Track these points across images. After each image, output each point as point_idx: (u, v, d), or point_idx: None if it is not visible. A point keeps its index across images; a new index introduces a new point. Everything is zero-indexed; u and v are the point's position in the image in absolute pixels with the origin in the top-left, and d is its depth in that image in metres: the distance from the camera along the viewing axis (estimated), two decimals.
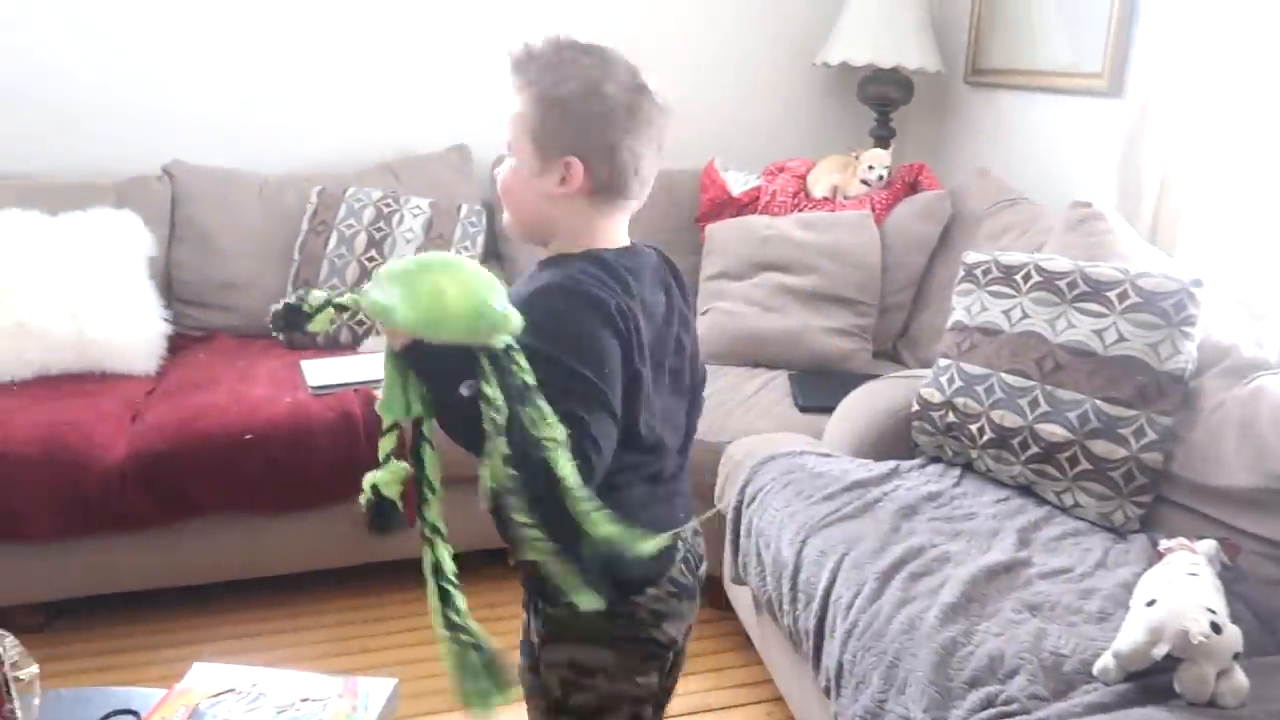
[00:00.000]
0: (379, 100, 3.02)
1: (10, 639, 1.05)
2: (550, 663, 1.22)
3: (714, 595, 2.24)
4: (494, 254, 2.98)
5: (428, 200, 2.77)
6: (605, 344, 1.07)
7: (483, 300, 1.00)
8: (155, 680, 2.07)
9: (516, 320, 1.01)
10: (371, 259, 2.65)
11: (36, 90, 2.75)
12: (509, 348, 0.99)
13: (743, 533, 1.88)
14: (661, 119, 1.20)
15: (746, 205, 2.88)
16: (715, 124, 3.27)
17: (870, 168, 2.82)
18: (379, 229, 2.69)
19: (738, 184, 2.93)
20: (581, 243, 1.17)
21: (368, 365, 2.43)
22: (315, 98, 2.96)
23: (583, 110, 1.13)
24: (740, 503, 1.90)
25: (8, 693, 1.02)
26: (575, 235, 1.18)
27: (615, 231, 1.21)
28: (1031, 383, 1.82)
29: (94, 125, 2.77)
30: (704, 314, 2.63)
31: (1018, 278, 1.92)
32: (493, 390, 0.99)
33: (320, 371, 2.37)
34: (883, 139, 3.16)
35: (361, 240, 2.66)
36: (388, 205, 2.72)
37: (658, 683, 1.24)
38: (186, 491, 2.12)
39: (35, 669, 1.08)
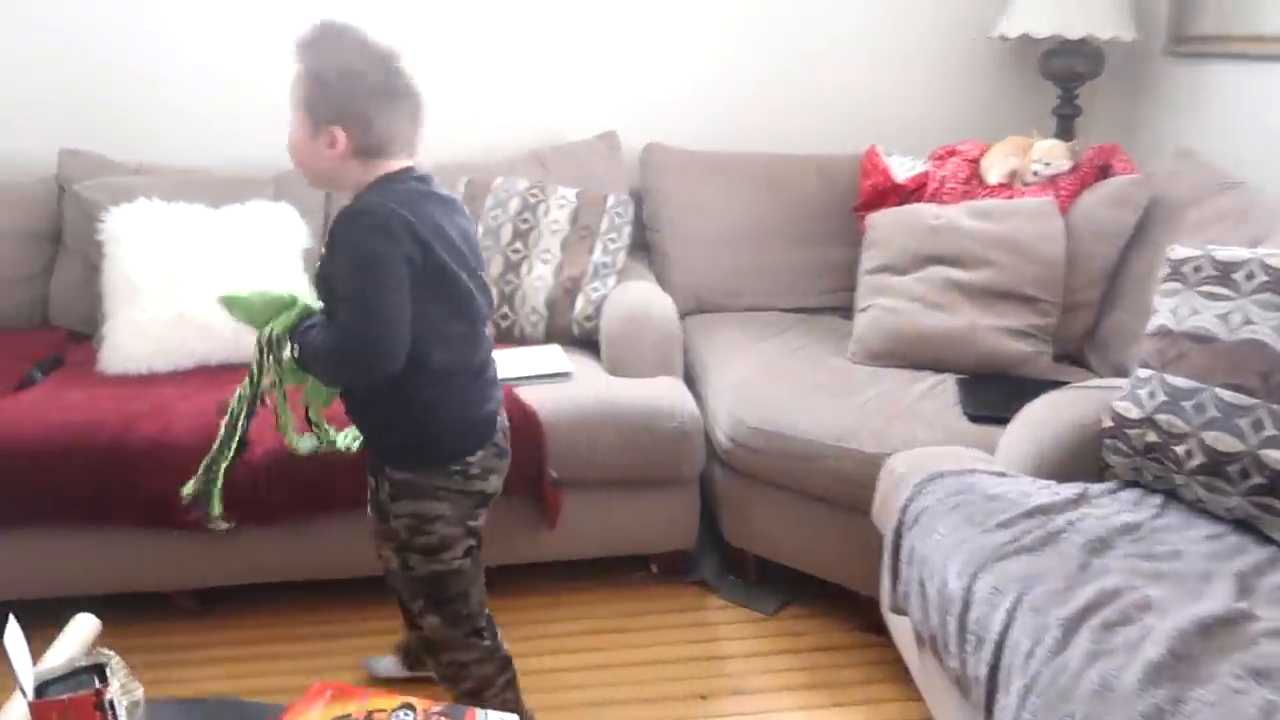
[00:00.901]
0: (529, 88, 2.96)
1: (117, 659, 1.01)
2: (398, 514, 1.61)
3: (870, 618, 2.07)
4: (640, 244, 2.88)
5: (575, 190, 2.68)
6: (387, 256, 1.41)
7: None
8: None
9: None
10: (517, 251, 2.58)
11: (200, 87, 2.83)
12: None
13: (903, 558, 1.70)
14: (416, 95, 1.53)
15: (912, 193, 2.66)
16: (876, 105, 3.06)
17: (1045, 163, 2.52)
18: (524, 220, 2.62)
19: (902, 170, 2.71)
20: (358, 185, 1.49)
21: (509, 362, 2.37)
22: (466, 87, 2.94)
23: (342, 87, 1.44)
24: (901, 524, 1.72)
25: (114, 716, 0.98)
26: (358, 188, 1.49)
27: None
28: (1255, 400, 1.55)
29: (253, 120, 2.82)
30: (863, 310, 2.44)
31: (1237, 276, 1.66)
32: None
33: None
34: (1067, 118, 2.87)
35: (507, 232, 2.61)
36: (534, 196, 2.66)
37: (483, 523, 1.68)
38: (332, 487, 2.11)
39: (141, 692, 1.04)
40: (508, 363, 2.35)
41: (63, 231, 2.69)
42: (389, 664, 2.08)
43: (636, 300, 2.50)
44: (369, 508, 1.71)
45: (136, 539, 2.13)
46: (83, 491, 2.08)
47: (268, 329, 1.55)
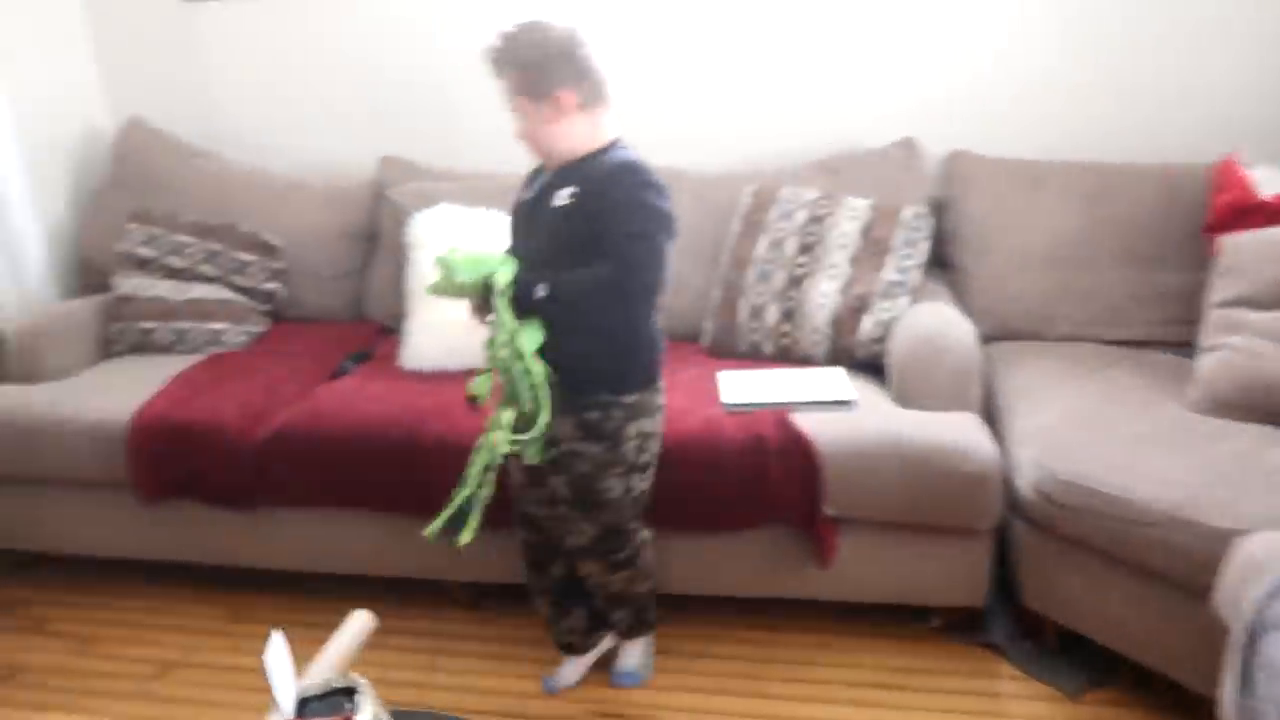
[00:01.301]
0: (820, 90, 2.80)
1: (367, 685, 0.99)
2: (629, 436, 1.79)
3: (1200, 718, 1.74)
4: (938, 262, 2.64)
5: (867, 202, 2.49)
6: (661, 204, 1.69)
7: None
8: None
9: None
10: (801, 265, 2.44)
11: (471, 99, 2.92)
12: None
13: (1259, 667, 1.38)
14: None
15: None
16: (1233, 105, 2.60)
17: None
18: (811, 233, 2.47)
19: (1270, 184, 2.27)
20: (588, 145, 1.76)
21: (787, 385, 2.23)
22: (752, 90, 2.83)
23: (548, 58, 1.68)
24: (1258, 625, 1.40)
25: None
26: (592, 147, 1.76)
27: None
28: None
29: None
30: (1211, 350, 2.07)
31: None
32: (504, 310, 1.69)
33: (737, 387, 2.22)
34: None
35: (792, 245, 2.47)
36: (823, 207, 2.50)
37: None
38: None
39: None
40: (786, 385, 2.22)
41: (378, 232, 2.88)
42: (570, 670, 2.07)
43: (932, 323, 2.27)
44: (546, 459, 1.81)
45: (418, 526, 2.21)
46: (376, 480, 2.19)
47: (498, 280, 1.70)
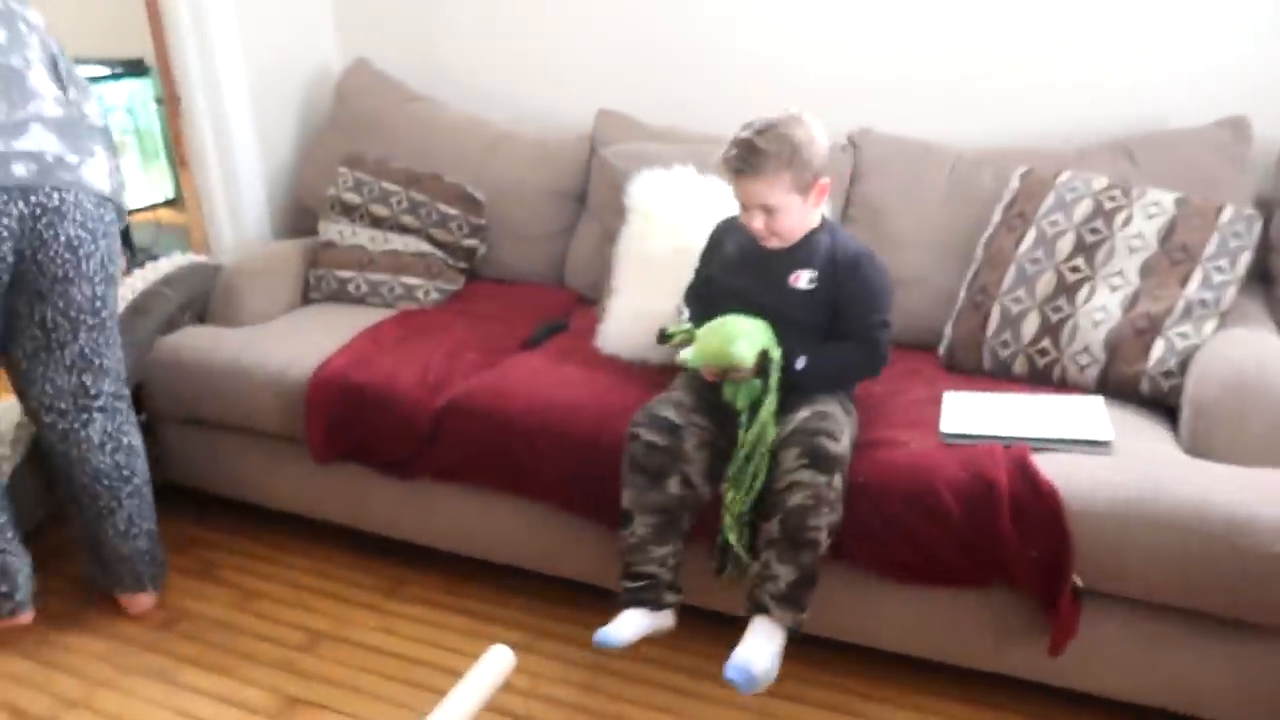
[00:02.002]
0: (1119, 51, 2.27)
1: None
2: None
3: None
4: (1258, 274, 2.08)
5: (1173, 196, 1.99)
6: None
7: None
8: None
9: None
10: (1076, 269, 1.98)
11: (749, 55, 2.60)
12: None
13: None
14: None
15: None
16: None
17: None
18: (1094, 230, 2.00)
19: None
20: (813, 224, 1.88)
21: (1027, 415, 1.80)
22: (1030, 54, 2.34)
23: (809, 148, 1.77)
24: None
25: None
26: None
27: None
28: None
29: (780, 88, 2.53)
30: None
31: None
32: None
33: (961, 414, 1.81)
34: None
35: (1067, 243, 2.01)
36: (1112, 199, 2.01)
37: None
38: None
39: None
40: (1025, 415, 1.79)
41: (588, 193, 2.65)
42: (629, 625, 1.75)
43: (1247, 357, 1.77)
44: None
45: (588, 528, 1.98)
46: (551, 473, 1.97)
47: (774, 351, 1.76)
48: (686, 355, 1.81)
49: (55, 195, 1.87)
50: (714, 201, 2.16)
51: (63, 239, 1.89)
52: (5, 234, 1.83)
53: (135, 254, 2.83)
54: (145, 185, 3.20)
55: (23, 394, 2.06)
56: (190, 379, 2.36)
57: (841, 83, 2.50)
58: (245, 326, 2.47)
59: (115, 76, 3.12)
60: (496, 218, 2.67)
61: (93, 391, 2.04)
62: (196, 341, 2.41)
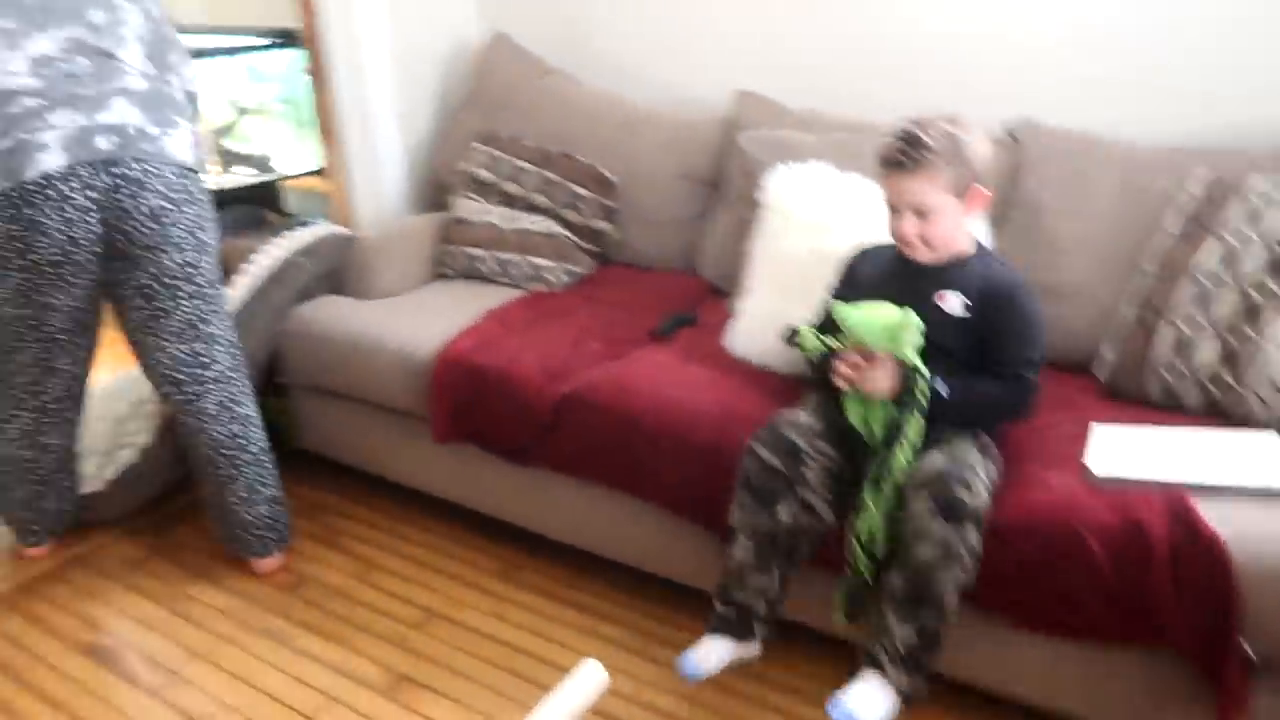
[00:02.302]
0: None
1: None
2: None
3: None
4: None
5: None
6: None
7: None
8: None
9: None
10: (1264, 290, 1.77)
11: (904, 37, 2.44)
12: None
13: None
14: None
15: None
16: None
17: None
18: None
19: None
20: (967, 246, 1.76)
21: (1190, 454, 1.62)
22: (1217, 38, 2.08)
23: (965, 150, 1.67)
24: None
25: None
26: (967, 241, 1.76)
27: None
28: None
29: (935, 73, 2.36)
30: None
31: None
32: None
33: (1112, 454, 1.65)
34: None
35: (1255, 257, 1.79)
36: None
37: None
38: None
39: None
40: (1187, 452, 1.61)
41: (723, 180, 2.56)
42: (714, 652, 1.69)
43: None
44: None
45: (703, 535, 1.91)
46: (668, 476, 1.91)
47: (909, 357, 1.62)
48: (813, 344, 1.70)
49: (136, 166, 1.91)
50: (855, 202, 2.04)
51: (145, 209, 1.93)
52: (91, 205, 1.88)
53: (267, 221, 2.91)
54: (298, 154, 3.28)
55: (145, 370, 2.14)
56: (322, 349, 2.41)
57: (1002, 69, 2.31)
58: (376, 300, 2.50)
59: (270, 47, 3.21)
60: (628, 200, 2.61)
61: (205, 360, 2.09)
62: (329, 313, 2.45)
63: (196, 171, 2.04)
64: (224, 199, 3.30)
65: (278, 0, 3.04)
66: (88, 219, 1.88)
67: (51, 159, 1.84)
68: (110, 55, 1.94)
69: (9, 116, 1.84)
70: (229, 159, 3.30)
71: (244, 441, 2.17)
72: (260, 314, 2.43)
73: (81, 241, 1.89)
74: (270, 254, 2.49)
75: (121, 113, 1.92)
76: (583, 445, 2.03)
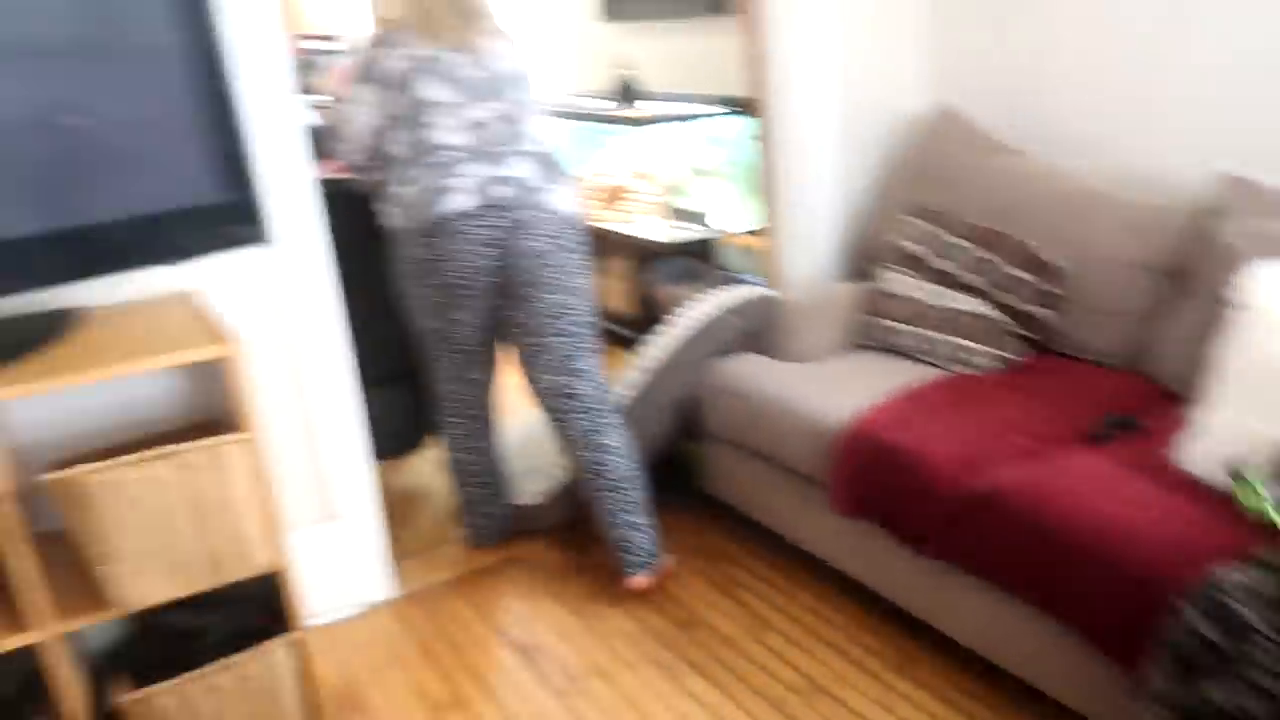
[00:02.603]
0: None
1: None
2: None
3: None
4: None
5: None
6: None
7: None
8: None
9: None
10: None
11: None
12: None
13: None
14: None
15: None
16: None
17: None
18: None
19: None
20: None
21: None
22: None
23: None
24: None
25: None
26: None
27: None
28: None
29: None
30: None
31: None
32: None
33: None
34: None
35: None
36: None
37: None
38: None
39: None
40: None
41: (1189, 272, 2.29)
42: None
43: None
44: None
45: (1107, 663, 1.72)
46: (1089, 601, 1.73)
47: None
48: (1255, 503, 1.50)
49: (526, 213, 2.31)
50: None
51: (529, 249, 2.32)
52: (491, 241, 2.30)
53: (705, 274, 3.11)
54: (739, 214, 3.49)
55: (532, 395, 2.48)
56: (737, 405, 2.52)
57: None
58: (794, 363, 2.57)
59: (726, 114, 3.45)
60: (1072, 286, 2.43)
61: (569, 391, 2.39)
62: (747, 370, 2.56)
63: (576, 223, 2.39)
64: (668, 250, 3.60)
65: (736, 71, 3.26)
66: (485, 252, 2.30)
67: (462, 200, 2.27)
68: (518, 124, 2.36)
69: (436, 165, 2.28)
70: (677, 215, 3.59)
71: (600, 468, 2.41)
72: (684, 363, 2.61)
73: (479, 270, 2.32)
74: (701, 309, 2.67)
75: (519, 168, 2.33)
76: (991, 545, 1.91)
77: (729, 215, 3.52)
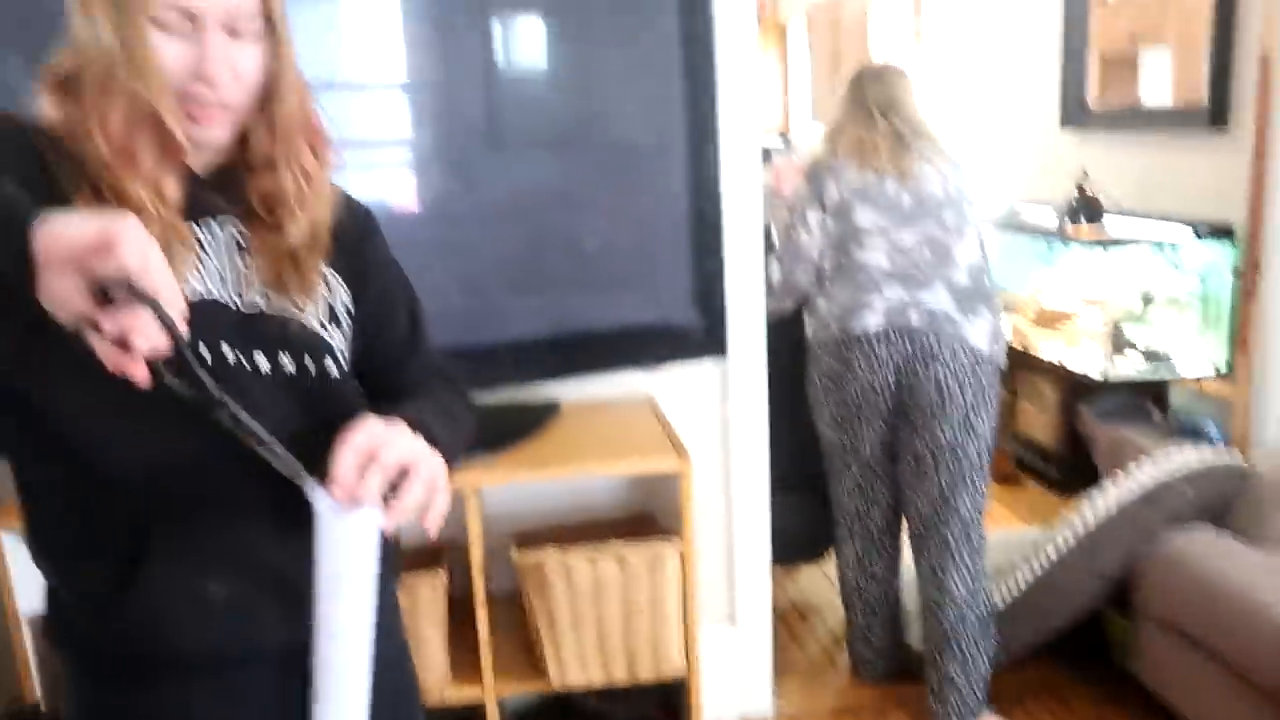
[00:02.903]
0: None
1: None
2: None
3: None
4: None
5: None
6: None
7: None
8: None
9: None
10: None
11: None
12: None
13: None
14: None
15: None
16: None
17: None
18: None
19: None
20: None
21: None
22: None
23: None
24: None
25: None
26: None
27: None
28: None
29: None
30: None
31: None
32: None
33: None
34: None
35: None
36: None
37: None
38: None
39: None
40: None
41: None
42: None
43: None
44: None
45: None
46: None
47: None
48: None
49: (933, 341, 2.29)
50: None
51: (930, 378, 2.29)
52: (890, 365, 2.32)
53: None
54: (1196, 351, 3.13)
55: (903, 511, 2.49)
56: (1183, 585, 2.25)
57: None
58: (1264, 550, 2.24)
59: (1198, 238, 3.11)
60: None
61: (933, 524, 2.35)
62: (1202, 549, 2.27)
63: (987, 360, 2.32)
64: (1109, 386, 3.32)
65: (1217, 192, 2.94)
66: (889, 374, 2.33)
67: (874, 321, 2.31)
68: (948, 250, 2.34)
69: (856, 282, 2.34)
70: (1124, 346, 3.30)
71: (935, 606, 2.36)
72: (1125, 529, 2.37)
73: (881, 390, 2.34)
74: (1150, 471, 2.42)
75: (937, 296, 2.31)
76: None
77: (1188, 354, 3.16)
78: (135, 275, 0.71)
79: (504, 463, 1.93)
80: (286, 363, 0.97)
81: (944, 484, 2.33)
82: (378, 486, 0.88)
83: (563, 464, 1.92)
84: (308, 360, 0.99)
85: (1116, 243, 3.28)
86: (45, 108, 0.90)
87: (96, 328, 0.73)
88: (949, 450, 2.31)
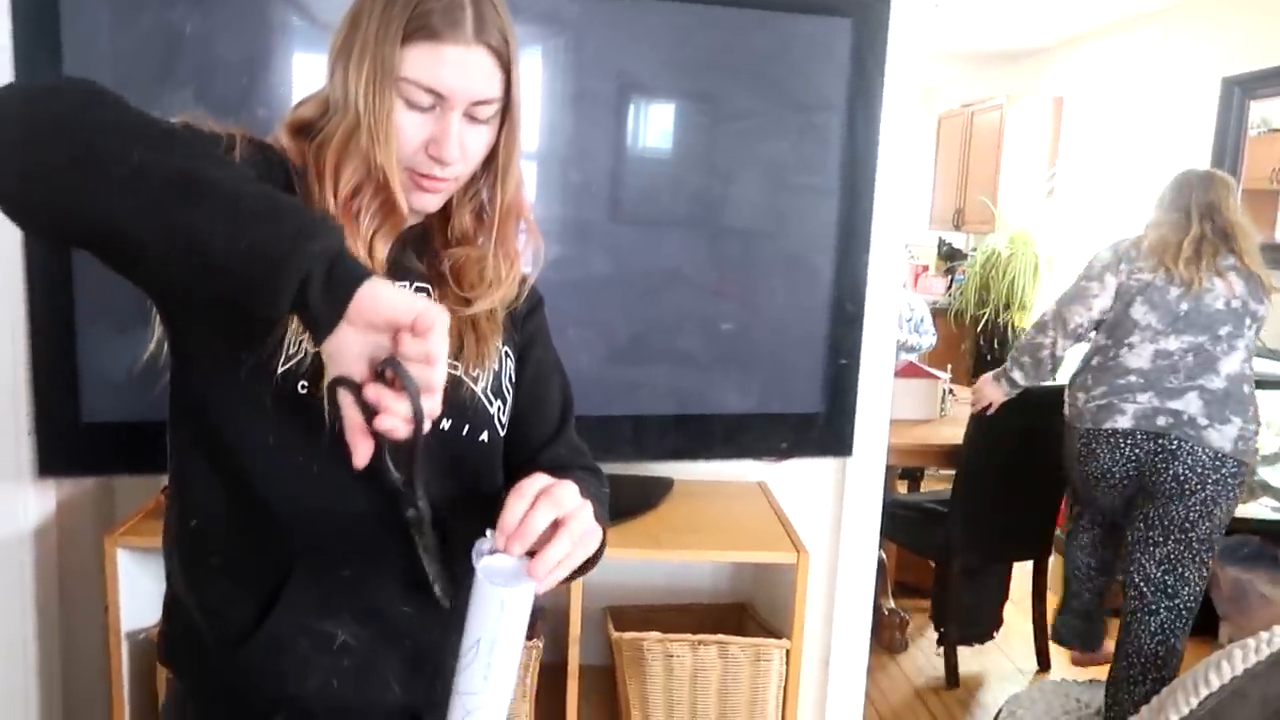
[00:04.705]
0: None
1: None
2: None
3: None
4: None
5: None
6: None
7: None
8: None
9: None
10: None
11: None
12: None
13: None
14: None
15: None
16: None
17: None
18: None
19: None
20: None
21: None
22: None
23: None
24: None
25: None
26: None
27: None
28: None
29: None
30: None
31: None
32: None
33: None
34: None
35: None
36: None
37: None
38: None
39: None
40: None
41: None
42: None
43: None
44: None
45: None
46: None
47: None
48: None
49: (1175, 442, 2.45)
50: None
51: (1170, 474, 2.47)
52: (1132, 460, 2.53)
53: None
54: None
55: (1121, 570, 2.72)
56: None
57: None
58: None
59: None
60: None
61: (1169, 591, 2.50)
62: None
63: (1231, 460, 2.43)
64: (1239, 526, 3.14)
65: None
66: (1126, 466, 2.54)
67: (1122, 421, 2.50)
68: (1214, 360, 2.43)
69: (1113, 384, 2.52)
70: (1260, 488, 3.14)
71: (1126, 665, 2.56)
72: (1251, 695, 2.21)
73: (1116, 476, 2.58)
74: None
75: (1186, 404, 2.44)
76: None
77: None
78: (431, 364, 0.74)
79: (617, 536, 1.91)
80: (446, 425, 0.98)
81: (1170, 553, 2.50)
82: (543, 524, 0.85)
83: (676, 545, 1.89)
84: (467, 427, 1.00)
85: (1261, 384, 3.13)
86: (284, 140, 0.95)
87: (357, 392, 0.75)
88: (1177, 526, 2.48)
